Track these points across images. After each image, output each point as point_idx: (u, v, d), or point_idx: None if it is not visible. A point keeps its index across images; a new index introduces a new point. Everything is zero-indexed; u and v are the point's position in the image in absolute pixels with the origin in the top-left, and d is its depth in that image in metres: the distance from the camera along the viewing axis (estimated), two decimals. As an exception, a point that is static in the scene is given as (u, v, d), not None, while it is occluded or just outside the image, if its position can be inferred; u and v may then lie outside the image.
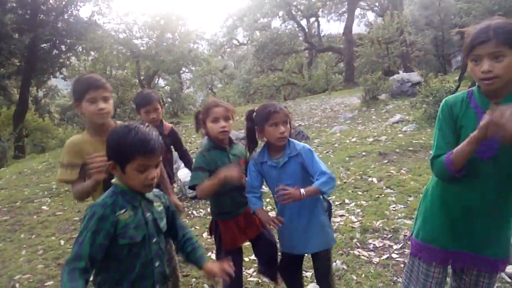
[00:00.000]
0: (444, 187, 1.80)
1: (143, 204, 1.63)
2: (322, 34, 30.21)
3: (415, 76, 12.04)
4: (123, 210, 1.55)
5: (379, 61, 20.87)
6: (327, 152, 7.17)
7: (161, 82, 26.58)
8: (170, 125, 3.53)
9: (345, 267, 3.31)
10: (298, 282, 2.68)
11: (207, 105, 2.39)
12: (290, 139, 2.31)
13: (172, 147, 3.53)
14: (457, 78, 13.22)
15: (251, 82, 26.02)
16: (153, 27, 15.83)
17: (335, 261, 3.40)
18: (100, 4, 14.63)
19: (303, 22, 28.45)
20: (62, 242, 4.57)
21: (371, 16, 31.91)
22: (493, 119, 1.39)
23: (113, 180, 1.62)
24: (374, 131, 8.03)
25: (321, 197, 2.36)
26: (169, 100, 15.34)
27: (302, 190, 2.09)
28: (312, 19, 29.01)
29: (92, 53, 16.20)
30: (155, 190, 1.73)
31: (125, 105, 20.25)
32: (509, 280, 2.89)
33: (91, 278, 1.55)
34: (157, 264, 1.64)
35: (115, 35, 15.44)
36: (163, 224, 1.70)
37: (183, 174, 5.92)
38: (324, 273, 2.53)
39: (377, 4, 30.60)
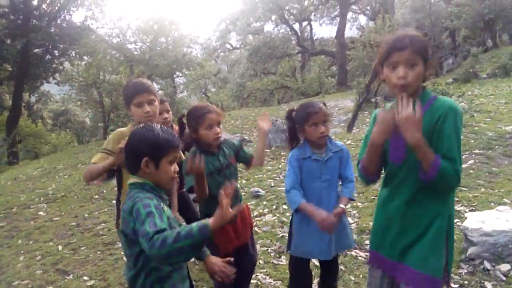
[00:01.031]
0: (382, 192, 1.88)
1: (165, 202, 1.69)
2: (314, 38, 30.40)
3: (407, 79, 12.10)
4: (161, 204, 1.60)
5: (371, 64, 20.96)
6: (322, 155, 7.22)
7: (155, 86, 26.51)
8: (177, 127, 3.53)
9: (343, 268, 3.36)
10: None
11: (199, 111, 2.32)
12: (331, 138, 2.40)
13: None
14: (449, 80, 13.40)
15: (244, 86, 26.09)
16: (147, 31, 15.83)
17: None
18: (93, 9, 14.60)
19: (296, 26, 28.62)
20: (60, 247, 4.56)
21: (363, 19, 32.24)
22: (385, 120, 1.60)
23: (130, 181, 1.64)
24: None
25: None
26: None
27: (342, 205, 2.23)
28: (305, 23, 29.21)
29: (86, 58, 16.14)
30: None
31: (119, 109, 20.17)
32: (504, 278, 2.95)
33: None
34: None
35: (109, 40, 15.42)
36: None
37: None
38: (334, 277, 2.62)
39: (368, 7, 30.87)
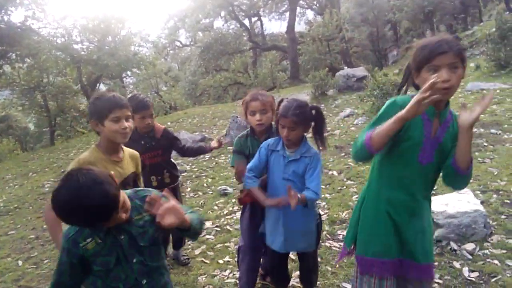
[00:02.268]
0: (387, 192, 1.84)
1: (115, 228, 1.50)
2: (265, 33, 30.59)
3: (359, 71, 12.60)
4: (89, 239, 1.48)
5: (321, 58, 21.51)
6: (285, 149, 7.30)
7: (103, 87, 25.58)
8: (162, 126, 3.47)
9: (319, 259, 3.41)
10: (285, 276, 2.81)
11: (245, 99, 2.60)
12: (307, 141, 2.37)
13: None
14: (396, 71, 14.00)
15: (197, 83, 25.78)
16: (94, 30, 15.11)
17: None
18: (34, 8, 13.70)
19: (246, 22, 28.62)
20: (20, 262, 4.29)
21: (310, 14, 32.87)
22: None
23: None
24: (327, 125, 8.22)
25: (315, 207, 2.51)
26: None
27: (301, 195, 2.18)
28: (254, 19, 29.28)
29: (28, 60, 15.16)
30: (137, 195, 1.63)
31: (66, 113, 19.23)
32: (470, 256, 3.13)
33: None
34: (144, 281, 1.57)
35: (53, 40, 14.54)
36: (146, 239, 1.57)
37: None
38: (311, 269, 2.69)
39: (315, 2, 31.53)
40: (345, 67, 15.80)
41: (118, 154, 2.18)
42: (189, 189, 5.98)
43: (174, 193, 3.31)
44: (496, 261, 2.99)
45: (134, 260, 1.54)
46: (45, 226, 5.36)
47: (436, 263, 3.08)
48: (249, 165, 2.40)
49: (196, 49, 26.46)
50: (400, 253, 1.84)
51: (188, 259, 3.73)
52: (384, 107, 1.78)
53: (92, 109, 2.09)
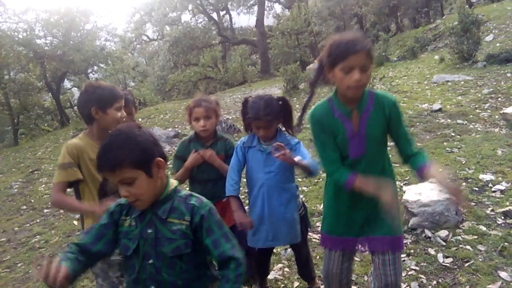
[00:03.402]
0: (334, 187, 1.99)
1: (149, 217, 1.47)
2: (234, 27, 30.44)
3: (329, 65, 12.71)
4: (128, 217, 1.49)
5: (291, 52, 21.66)
6: (261, 143, 7.32)
7: (67, 84, 24.77)
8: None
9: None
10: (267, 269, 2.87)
11: (190, 104, 2.57)
12: (282, 131, 2.41)
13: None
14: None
15: (166, 78, 25.38)
16: (57, 25, 14.51)
17: (289, 247, 3.55)
18: (-9, 2, 13.06)
19: (214, 16, 28.37)
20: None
21: (278, 8, 32.93)
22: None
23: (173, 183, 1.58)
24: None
25: (297, 193, 2.51)
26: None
27: (297, 158, 2.20)
28: (223, 12, 29.07)
29: (-13, 56, 14.44)
30: (188, 200, 1.50)
31: (29, 111, 18.52)
32: (444, 243, 3.27)
33: None
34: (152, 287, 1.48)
35: (14, 35, 13.86)
36: (170, 248, 1.44)
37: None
38: (304, 261, 2.74)
39: (283, -4, 31.64)
40: (315, 61, 15.92)
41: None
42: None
43: None
44: (468, 247, 3.12)
45: (150, 261, 1.46)
46: (16, 228, 5.19)
47: (412, 251, 3.20)
48: (230, 168, 2.39)
49: (164, 44, 25.98)
50: (352, 233, 2.01)
51: None
52: (312, 127, 1.88)
53: (94, 97, 2.12)
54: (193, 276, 1.51)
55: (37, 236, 4.80)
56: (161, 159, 1.43)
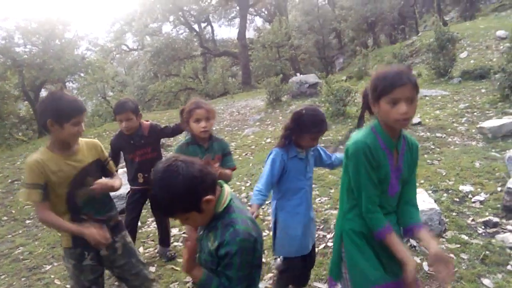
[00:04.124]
0: (362, 226, 1.85)
1: (203, 235, 1.58)
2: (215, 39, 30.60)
3: (311, 78, 13.01)
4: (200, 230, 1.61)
5: (272, 64, 21.91)
6: (246, 154, 7.40)
7: (43, 93, 24.23)
8: (148, 122, 3.58)
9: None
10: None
11: (189, 106, 2.59)
12: None
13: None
14: (343, 78, 14.59)
15: (146, 89, 25.20)
16: (37, 33, 14.29)
17: (279, 257, 3.60)
18: (-31, 8, 12.78)
19: (196, 27, 28.48)
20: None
21: (259, 21, 33.38)
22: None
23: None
24: (284, 131, 8.38)
25: None
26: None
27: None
28: (204, 24, 29.23)
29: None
30: (228, 232, 1.45)
31: (4, 119, 17.98)
32: (428, 252, 3.38)
33: None
34: None
35: (-9, 44, 13.58)
36: (202, 257, 1.57)
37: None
38: (313, 265, 2.80)
39: (264, 10, 32.06)
40: (298, 74, 16.22)
41: (69, 150, 2.20)
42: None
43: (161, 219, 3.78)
44: (452, 255, 3.23)
45: (201, 255, 1.61)
46: (-2, 241, 5.06)
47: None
48: (263, 184, 2.36)
49: (145, 54, 25.85)
50: (387, 277, 1.85)
51: (175, 253, 3.91)
52: (360, 157, 1.74)
53: (51, 109, 2.05)
54: None
55: (20, 248, 4.69)
56: (209, 197, 1.42)
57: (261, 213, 4.22)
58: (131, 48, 32.52)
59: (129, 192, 3.71)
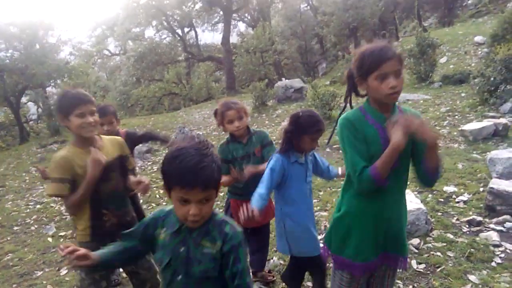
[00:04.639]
0: (365, 205, 1.87)
1: (183, 235, 1.50)
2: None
3: (296, 83, 13.15)
4: (163, 229, 1.53)
5: (256, 69, 22.05)
6: (234, 158, 7.41)
7: (23, 98, 23.76)
8: (124, 130, 3.56)
9: (282, 261, 3.59)
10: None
11: (220, 109, 2.77)
12: None
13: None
14: (327, 82, 14.80)
15: (129, 94, 24.99)
16: (20, 37, 14.04)
17: (272, 258, 3.67)
18: None
19: (179, 32, 28.41)
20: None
21: (242, 26, 33.51)
22: (408, 125, 1.63)
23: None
24: (272, 134, 8.42)
25: None
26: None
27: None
28: (187, 29, 29.16)
29: None
30: (222, 227, 1.49)
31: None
32: (416, 250, 3.50)
33: None
34: None
35: (-28, 48, 13.28)
36: (198, 269, 1.47)
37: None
38: (324, 273, 2.74)
39: (247, 15, 32.22)
40: (283, 79, 16.37)
41: (93, 145, 2.26)
42: (141, 201, 5.89)
43: (134, 200, 3.40)
44: (439, 253, 3.36)
45: (179, 278, 1.49)
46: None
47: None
48: (263, 188, 2.35)
49: (128, 59, 25.64)
50: (377, 252, 1.93)
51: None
52: (343, 131, 1.79)
53: (58, 105, 2.21)
54: None
55: (10, 254, 4.64)
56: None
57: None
58: (113, 53, 32.23)
59: None
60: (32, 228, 5.51)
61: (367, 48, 1.76)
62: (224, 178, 2.64)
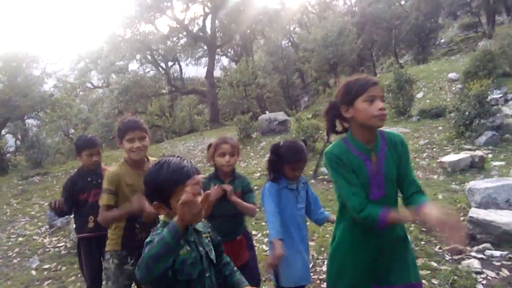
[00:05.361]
0: (357, 232, 1.88)
1: (196, 238, 1.64)
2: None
3: (280, 115, 13.45)
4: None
5: (239, 103, 22.40)
6: (220, 190, 7.45)
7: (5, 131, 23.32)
8: (105, 167, 3.50)
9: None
10: None
11: (216, 141, 2.74)
12: None
13: None
14: (309, 116, 15.13)
15: (111, 126, 24.86)
16: (2, 69, 14.01)
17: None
18: None
19: (163, 65, 28.81)
20: None
21: (225, 61, 34.25)
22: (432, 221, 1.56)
23: (161, 217, 1.63)
24: (257, 166, 8.65)
25: None
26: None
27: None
28: (171, 63, 29.62)
29: None
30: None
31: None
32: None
33: None
34: None
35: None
36: (213, 255, 1.70)
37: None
38: None
39: (230, 50, 33.03)
40: (267, 112, 16.70)
41: (142, 167, 2.56)
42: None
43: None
44: (424, 281, 3.41)
45: (207, 274, 1.64)
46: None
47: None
48: (272, 214, 2.41)
49: (111, 91, 25.69)
50: (373, 282, 1.90)
51: None
52: (333, 166, 1.82)
53: (117, 130, 2.57)
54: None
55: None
56: None
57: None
58: (95, 86, 32.28)
59: (78, 242, 3.31)
60: (15, 261, 5.38)
61: (352, 77, 1.86)
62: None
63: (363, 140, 1.83)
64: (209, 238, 1.74)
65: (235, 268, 1.81)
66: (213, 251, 1.71)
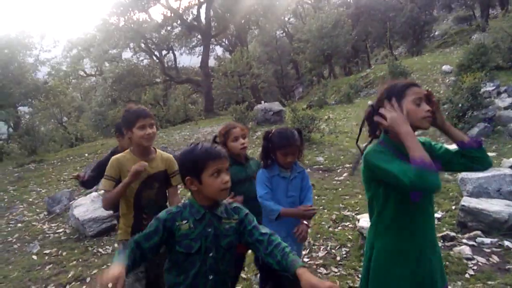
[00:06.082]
0: (396, 242, 1.82)
1: (208, 218, 1.75)
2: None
3: (276, 106, 13.53)
4: (184, 221, 1.72)
5: (233, 93, 22.40)
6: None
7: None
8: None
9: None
10: None
11: (224, 129, 2.79)
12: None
13: None
14: (304, 106, 15.23)
15: (104, 114, 24.74)
16: (-4, 57, 13.86)
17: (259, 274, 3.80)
18: None
19: (157, 54, 28.63)
20: None
21: (219, 50, 34.10)
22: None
23: (187, 196, 1.80)
24: (253, 155, 8.62)
25: None
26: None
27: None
28: (165, 52, 29.43)
29: None
30: (231, 205, 1.85)
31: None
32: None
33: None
34: (211, 277, 1.74)
35: None
36: (225, 242, 1.76)
37: (80, 212, 5.58)
38: None
39: (224, 40, 32.88)
40: (262, 102, 16.75)
41: (148, 156, 2.60)
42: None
43: None
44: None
45: (210, 254, 1.73)
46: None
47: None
48: (265, 196, 2.53)
49: (105, 80, 25.52)
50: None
51: None
52: (376, 157, 1.74)
53: (124, 120, 2.58)
54: (233, 264, 1.87)
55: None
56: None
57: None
58: (88, 74, 32.01)
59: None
60: (15, 246, 5.43)
61: (392, 80, 1.90)
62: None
63: (400, 142, 1.73)
64: (232, 225, 1.79)
65: (288, 249, 1.67)
66: (229, 239, 1.78)
